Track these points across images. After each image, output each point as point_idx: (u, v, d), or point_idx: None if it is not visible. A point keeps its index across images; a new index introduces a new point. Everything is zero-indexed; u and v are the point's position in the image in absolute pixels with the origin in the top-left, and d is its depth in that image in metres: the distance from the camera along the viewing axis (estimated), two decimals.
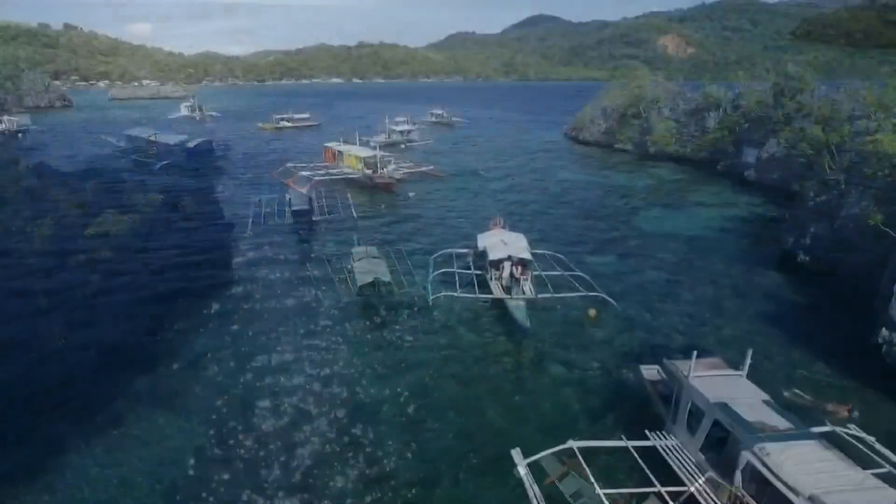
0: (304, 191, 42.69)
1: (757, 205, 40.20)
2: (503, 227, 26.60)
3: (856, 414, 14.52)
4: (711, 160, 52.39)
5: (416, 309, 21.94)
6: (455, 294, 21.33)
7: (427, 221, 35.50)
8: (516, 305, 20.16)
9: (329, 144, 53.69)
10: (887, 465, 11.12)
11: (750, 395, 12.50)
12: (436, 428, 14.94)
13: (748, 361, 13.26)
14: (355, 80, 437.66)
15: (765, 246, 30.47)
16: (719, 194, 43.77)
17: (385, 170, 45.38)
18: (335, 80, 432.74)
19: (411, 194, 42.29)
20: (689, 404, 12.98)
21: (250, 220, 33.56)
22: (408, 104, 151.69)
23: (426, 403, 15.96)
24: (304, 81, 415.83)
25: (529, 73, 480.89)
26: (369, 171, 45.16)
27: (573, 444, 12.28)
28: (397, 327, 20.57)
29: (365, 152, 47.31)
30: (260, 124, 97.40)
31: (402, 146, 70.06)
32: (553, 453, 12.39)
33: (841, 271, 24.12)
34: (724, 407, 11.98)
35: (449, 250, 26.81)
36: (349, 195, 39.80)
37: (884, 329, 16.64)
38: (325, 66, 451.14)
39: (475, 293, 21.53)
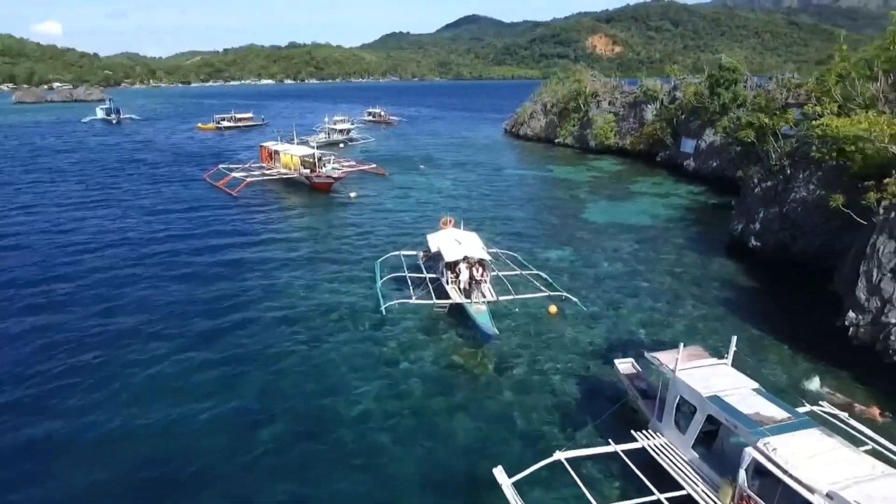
0: (234, 194, 39.79)
1: (698, 193, 40.83)
2: (455, 226, 25.10)
3: (888, 415, 13.95)
4: (651, 152, 53.16)
5: (366, 321, 19.96)
6: (410, 301, 19.60)
7: (371, 222, 33.48)
8: (478, 310, 18.67)
9: (265, 144, 50.56)
10: (870, 443, 11.18)
11: (740, 385, 11.66)
12: (398, 454, 13.17)
13: (733, 349, 12.44)
14: (288, 82, 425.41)
15: (713, 233, 30.59)
16: (661, 184, 44.27)
17: (324, 169, 42.95)
18: (266, 81, 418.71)
19: (353, 194, 40.13)
20: (678, 399, 11.97)
21: None
22: (344, 104, 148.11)
23: (387, 426, 14.15)
24: (234, 83, 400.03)
25: (464, 73, 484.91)
26: (307, 171, 42.61)
27: (560, 455, 11.30)
28: (347, 343, 18.56)
29: (303, 151, 44.65)
30: (199, 125, 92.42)
31: (342, 145, 67.64)
32: (540, 468, 11.13)
33: (792, 254, 24.23)
34: (718, 400, 11.04)
35: (397, 253, 25.01)
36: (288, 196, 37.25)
37: (850, 312, 16.36)
38: (256, 68, 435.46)
39: (432, 299, 19.87)
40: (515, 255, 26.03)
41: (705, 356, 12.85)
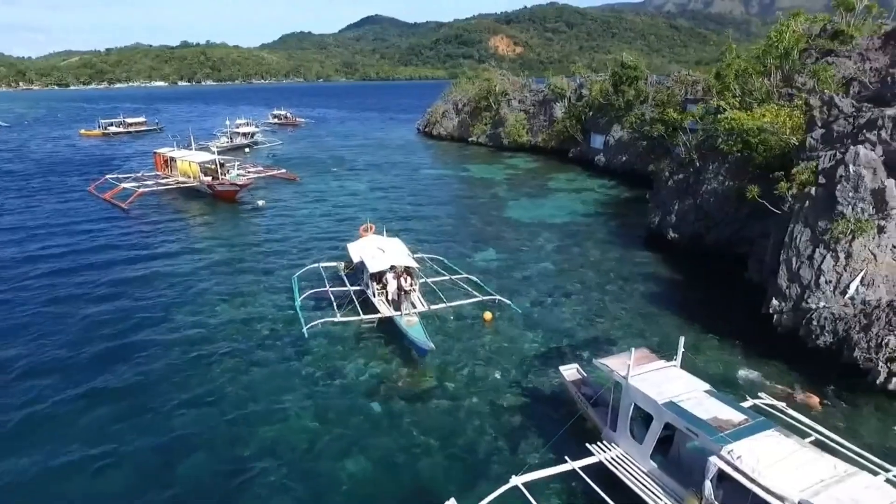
0: (125, 206, 35.63)
1: (611, 187, 42.09)
2: (376, 233, 23.60)
3: (827, 402, 14.16)
4: (562, 148, 54.43)
5: (286, 344, 18.00)
6: (334, 319, 17.90)
7: (284, 231, 31.07)
8: (409, 322, 17.35)
9: (160, 151, 45.83)
10: (813, 434, 11.11)
11: (692, 388, 11.27)
12: (332, 490, 11.59)
13: (681, 350, 12.07)
14: (182, 84, 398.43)
15: (631, 226, 31.36)
16: (575, 180, 45.26)
17: (227, 176, 39.61)
18: (158, 83, 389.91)
19: (261, 202, 37.26)
20: (632, 407, 11.39)
21: None
22: (246, 106, 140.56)
23: (316, 458, 12.48)
24: (120, 85, 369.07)
25: (371, 73, 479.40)
26: (208, 179, 39.07)
27: (517, 480, 10.39)
28: (265, 367, 16.54)
29: (202, 157, 40.89)
30: (83, 131, 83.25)
31: (247, 150, 63.47)
32: (497, 497, 10.07)
33: (706, 244, 25.15)
34: (675, 406, 10.54)
35: (315, 265, 23.12)
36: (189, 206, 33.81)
37: (773, 300, 16.87)
38: (144, 69, 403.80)
39: (359, 314, 18.29)
40: (442, 258, 25.00)
41: (654, 359, 12.40)
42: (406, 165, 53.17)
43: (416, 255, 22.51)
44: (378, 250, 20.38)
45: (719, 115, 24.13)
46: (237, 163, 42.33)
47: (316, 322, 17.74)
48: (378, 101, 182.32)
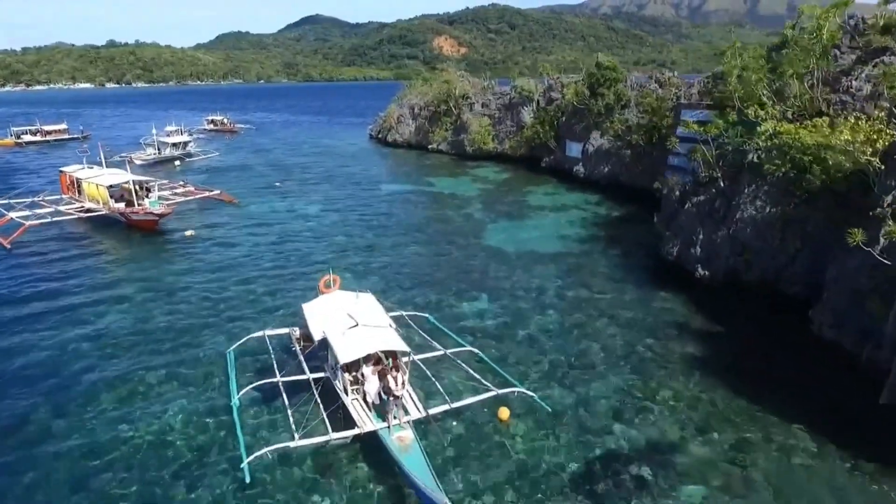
0: (7, 244, 28.17)
1: (596, 203, 37.63)
2: (342, 288, 17.77)
3: None
4: (533, 156, 49.90)
5: (218, 485, 12.02)
6: (292, 444, 12.07)
7: (217, 272, 24.58)
8: (402, 443, 11.82)
9: (66, 170, 37.78)
10: None
11: None
12: None
13: None
14: (110, 85, 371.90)
15: (635, 255, 26.84)
16: (554, 194, 40.66)
17: (147, 201, 32.49)
18: (83, 84, 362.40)
19: (189, 233, 30.51)
20: None
21: None
22: (180, 110, 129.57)
23: None
24: (39, 87, 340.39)
25: (313, 74, 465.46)
26: (121, 206, 31.87)
27: None
28: None
29: (113, 179, 33.44)
30: None
31: (177, 163, 55.52)
32: None
33: (746, 282, 20.82)
34: None
35: (259, 333, 17.15)
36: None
37: None
38: (67, 69, 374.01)
39: (326, 432, 12.47)
40: (426, 314, 19.54)
41: None
42: (362, 179, 47.08)
43: (392, 313, 17.05)
44: (347, 319, 14.60)
45: (759, 129, 19.74)
46: (156, 184, 34.96)
47: (262, 451, 11.83)
48: (324, 103, 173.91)
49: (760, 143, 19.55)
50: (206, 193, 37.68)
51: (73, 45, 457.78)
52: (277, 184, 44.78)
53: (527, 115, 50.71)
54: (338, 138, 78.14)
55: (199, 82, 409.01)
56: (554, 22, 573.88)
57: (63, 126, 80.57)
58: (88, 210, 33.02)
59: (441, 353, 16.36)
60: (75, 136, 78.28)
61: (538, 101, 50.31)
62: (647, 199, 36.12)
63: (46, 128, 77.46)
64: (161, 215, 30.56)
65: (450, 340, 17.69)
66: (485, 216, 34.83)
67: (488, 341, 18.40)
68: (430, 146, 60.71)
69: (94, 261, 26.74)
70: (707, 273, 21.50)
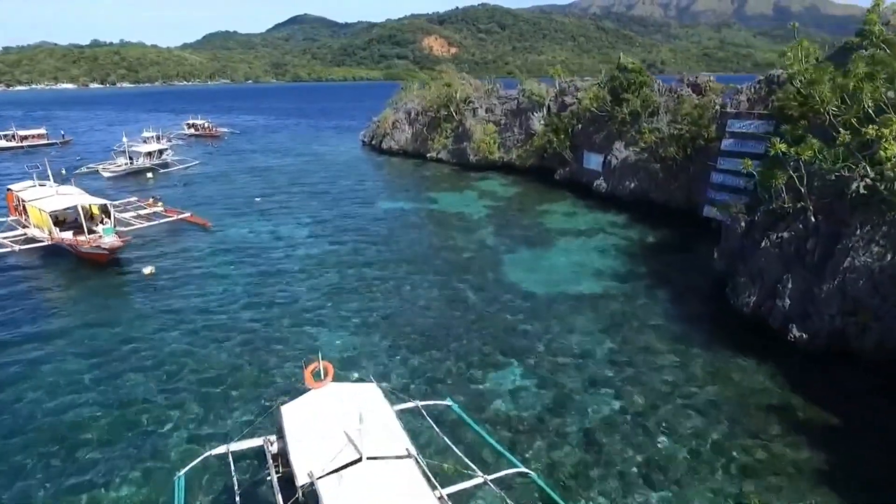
0: None
1: (623, 225, 32.94)
2: (336, 379, 12.81)
3: None
4: (544, 167, 45.22)
5: None
6: None
7: (175, 334, 19.50)
8: None
9: (14, 188, 32.52)
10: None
11: None
12: None
13: None
14: (94, 86, 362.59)
15: (690, 300, 22.13)
16: (574, 214, 35.93)
17: (100, 227, 27.34)
18: (66, 85, 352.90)
19: (147, 270, 25.35)
20: None
21: None
22: (164, 112, 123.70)
23: None
24: (21, 88, 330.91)
25: (302, 74, 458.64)
26: (67, 235, 26.74)
27: None
28: None
29: (58, 203, 28.20)
30: None
31: (150, 175, 50.13)
32: None
33: (857, 349, 16.20)
34: None
35: (221, 450, 12.02)
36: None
37: None
38: (50, 69, 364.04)
39: None
40: (447, 401, 14.66)
41: None
42: (356, 195, 42.08)
43: (406, 405, 12.34)
44: (345, 444, 9.77)
45: (885, 153, 15.13)
46: (117, 206, 29.85)
47: None
48: (313, 104, 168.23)
49: (887, 172, 14.93)
50: (175, 217, 32.45)
51: (56, 44, 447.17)
52: (258, 199, 39.79)
53: (537, 121, 45.98)
54: (328, 144, 72.98)
55: (185, 83, 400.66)
56: (544, 22, 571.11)
57: (41, 130, 74.63)
58: (29, 240, 27.82)
59: (480, 480, 11.48)
60: (54, 141, 72.59)
61: (549, 106, 45.61)
62: (684, 220, 31.66)
63: (22, 132, 71.64)
64: (112, 249, 25.33)
65: (485, 447, 12.93)
66: (499, 242, 30.00)
67: (531, 441, 13.65)
68: (428, 154, 55.81)
69: (18, 306, 21.54)
70: (804, 336, 16.84)
